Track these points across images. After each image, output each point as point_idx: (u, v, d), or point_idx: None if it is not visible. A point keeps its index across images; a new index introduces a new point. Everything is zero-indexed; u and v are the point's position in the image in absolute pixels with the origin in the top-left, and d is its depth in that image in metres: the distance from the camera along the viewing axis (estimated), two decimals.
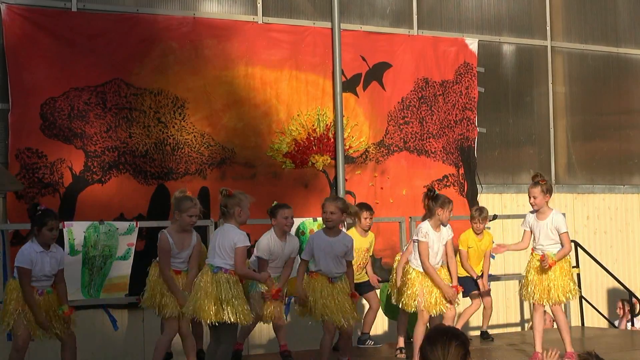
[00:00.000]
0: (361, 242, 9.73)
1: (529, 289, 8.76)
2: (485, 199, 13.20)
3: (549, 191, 8.79)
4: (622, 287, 12.83)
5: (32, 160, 10.44)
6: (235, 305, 7.46)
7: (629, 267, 14.51)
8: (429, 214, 8.50)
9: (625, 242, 14.52)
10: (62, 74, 10.64)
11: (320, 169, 12.07)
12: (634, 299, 12.78)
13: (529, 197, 8.84)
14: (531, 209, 8.90)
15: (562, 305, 8.89)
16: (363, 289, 9.86)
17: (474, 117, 13.32)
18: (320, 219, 9.96)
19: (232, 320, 7.45)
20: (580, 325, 11.57)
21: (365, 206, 9.99)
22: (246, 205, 7.73)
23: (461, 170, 13.13)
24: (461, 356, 4.34)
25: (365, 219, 9.84)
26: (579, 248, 12.42)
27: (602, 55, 14.60)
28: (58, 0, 10.75)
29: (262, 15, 11.96)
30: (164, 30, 11.29)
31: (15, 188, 10.13)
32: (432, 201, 8.43)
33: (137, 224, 9.80)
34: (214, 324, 7.48)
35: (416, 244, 8.43)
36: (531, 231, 8.83)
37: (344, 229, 8.68)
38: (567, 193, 14.06)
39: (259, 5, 11.97)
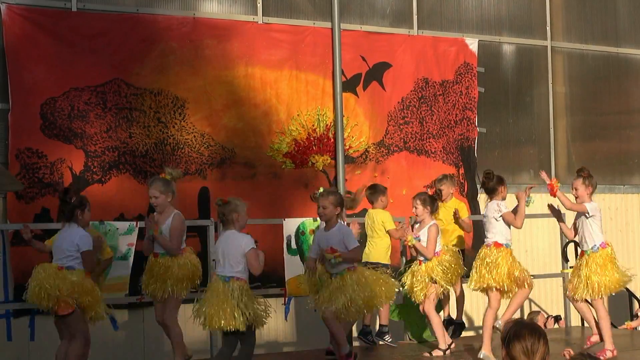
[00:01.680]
0: None
1: (574, 285, 9.06)
2: (485, 199, 13.17)
3: (591, 184, 9.07)
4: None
5: (32, 160, 10.44)
6: (249, 312, 7.60)
7: (629, 267, 14.47)
8: (491, 194, 8.86)
9: (625, 242, 14.51)
10: (62, 74, 10.64)
11: (320, 169, 12.06)
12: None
13: (572, 189, 9.15)
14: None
15: (603, 300, 9.20)
16: None
17: (474, 117, 13.31)
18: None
19: (250, 326, 7.64)
20: (580, 325, 11.56)
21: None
22: (243, 210, 7.87)
23: (461, 170, 13.13)
24: (546, 353, 4.45)
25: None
26: (578, 248, 12.39)
27: (602, 55, 14.59)
28: (58, 0, 10.76)
29: (262, 15, 11.96)
30: (164, 30, 11.29)
31: (15, 188, 10.13)
32: (493, 181, 8.81)
33: (137, 224, 9.78)
34: (229, 331, 7.62)
35: (500, 219, 8.71)
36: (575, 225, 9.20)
37: (342, 222, 8.54)
38: (567, 193, 14.02)
39: (259, 5, 11.97)
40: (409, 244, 9.21)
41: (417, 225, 9.36)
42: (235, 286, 7.63)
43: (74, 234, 8.00)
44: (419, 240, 9.17)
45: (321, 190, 8.76)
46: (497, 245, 8.72)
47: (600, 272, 8.87)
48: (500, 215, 8.73)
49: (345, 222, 8.85)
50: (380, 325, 9.95)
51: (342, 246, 8.24)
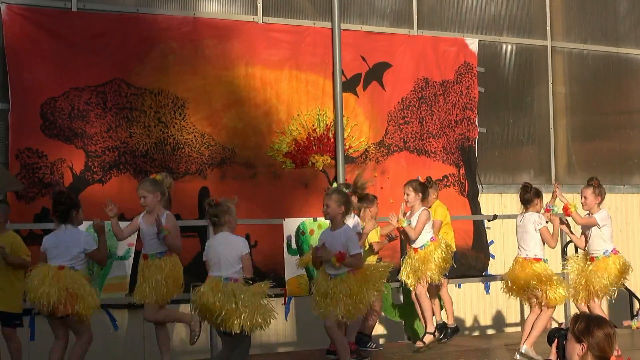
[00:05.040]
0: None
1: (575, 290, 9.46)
2: (485, 199, 13.20)
3: (600, 194, 9.38)
4: (622, 287, 12.81)
5: (33, 160, 10.44)
6: (245, 314, 7.54)
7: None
8: (527, 205, 9.10)
9: (625, 242, 14.51)
10: (62, 73, 10.65)
11: (320, 169, 12.07)
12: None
13: (581, 197, 9.45)
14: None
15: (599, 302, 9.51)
16: None
17: (475, 117, 13.32)
18: (320, 219, 9.98)
19: (245, 329, 7.57)
20: None
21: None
22: (234, 211, 7.87)
23: (462, 170, 13.13)
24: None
25: None
26: (578, 248, 12.41)
27: (602, 55, 14.60)
28: (58, 0, 10.76)
29: (262, 15, 11.96)
30: (164, 30, 11.29)
31: (15, 188, 10.13)
32: (530, 193, 9.09)
33: None
34: (227, 332, 7.60)
35: (538, 232, 8.96)
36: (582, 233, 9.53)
37: (347, 222, 8.51)
38: (567, 193, 13.88)
39: (259, 5, 11.97)
40: (401, 225, 9.22)
41: (407, 214, 9.41)
42: (234, 287, 7.60)
43: (78, 235, 8.03)
44: (409, 224, 9.27)
45: (335, 185, 8.84)
46: (537, 260, 9.00)
47: (606, 276, 9.23)
48: (539, 229, 8.95)
49: (356, 213, 8.91)
50: (364, 334, 9.76)
51: (344, 249, 8.20)
